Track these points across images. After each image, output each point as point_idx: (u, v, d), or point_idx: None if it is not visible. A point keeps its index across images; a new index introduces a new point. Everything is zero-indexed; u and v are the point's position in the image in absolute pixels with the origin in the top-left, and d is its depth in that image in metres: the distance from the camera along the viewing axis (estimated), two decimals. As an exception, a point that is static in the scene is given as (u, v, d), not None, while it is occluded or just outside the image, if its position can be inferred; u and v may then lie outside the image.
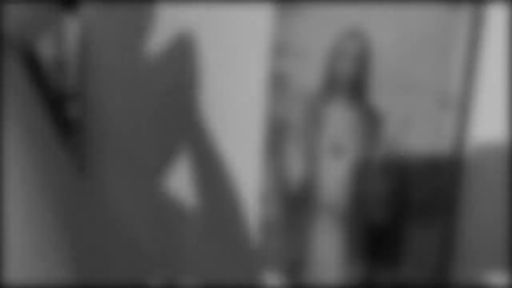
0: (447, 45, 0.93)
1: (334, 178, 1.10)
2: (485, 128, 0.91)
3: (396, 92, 1.00)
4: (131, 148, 1.63)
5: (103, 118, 1.73)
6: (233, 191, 1.35)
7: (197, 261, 1.46)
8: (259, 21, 1.23)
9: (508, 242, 0.89)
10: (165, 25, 1.47)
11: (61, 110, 1.78)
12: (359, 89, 1.05)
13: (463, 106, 0.92)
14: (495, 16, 0.89)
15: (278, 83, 1.18)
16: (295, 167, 1.17)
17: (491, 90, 0.90)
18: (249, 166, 1.30)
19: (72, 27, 1.73)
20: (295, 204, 1.18)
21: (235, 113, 1.32)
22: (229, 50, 1.32)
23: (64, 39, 1.73)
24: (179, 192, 1.48)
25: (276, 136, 1.20)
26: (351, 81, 1.06)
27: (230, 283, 1.37)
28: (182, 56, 1.44)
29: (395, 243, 1.02)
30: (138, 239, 1.65)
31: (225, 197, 1.37)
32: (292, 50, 1.15)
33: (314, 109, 1.13)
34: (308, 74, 1.13)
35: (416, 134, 0.97)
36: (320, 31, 1.10)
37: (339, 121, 1.09)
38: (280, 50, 1.17)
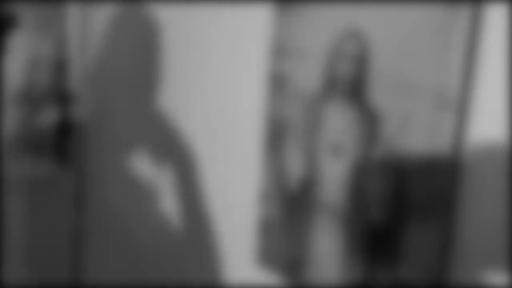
0: (446, 46, 0.93)
1: (333, 177, 1.10)
2: (484, 128, 0.91)
3: (395, 92, 1.00)
4: (129, 147, 1.63)
5: (102, 118, 1.73)
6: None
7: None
8: (259, 22, 1.23)
9: (507, 242, 0.90)
10: (166, 26, 1.48)
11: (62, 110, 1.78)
12: (358, 89, 1.05)
13: (462, 106, 0.93)
14: (494, 16, 0.89)
15: (278, 83, 1.19)
16: (295, 167, 1.17)
17: (490, 90, 0.90)
18: (249, 166, 1.30)
19: (72, 27, 1.74)
20: (295, 204, 1.18)
21: (235, 113, 1.32)
22: (229, 50, 1.32)
23: (64, 39, 1.73)
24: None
25: (276, 136, 1.20)
26: (350, 81, 1.06)
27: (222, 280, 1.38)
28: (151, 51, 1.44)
29: (394, 242, 1.02)
30: (135, 234, 1.65)
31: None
32: (291, 51, 1.15)
33: (314, 109, 1.13)
34: (308, 74, 1.13)
35: (415, 134, 0.97)
36: (319, 31, 1.10)
37: (339, 121, 1.09)
38: (280, 50, 1.18)
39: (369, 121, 1.04)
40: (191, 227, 1.47)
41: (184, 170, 1.46)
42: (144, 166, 1.58)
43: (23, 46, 1.69)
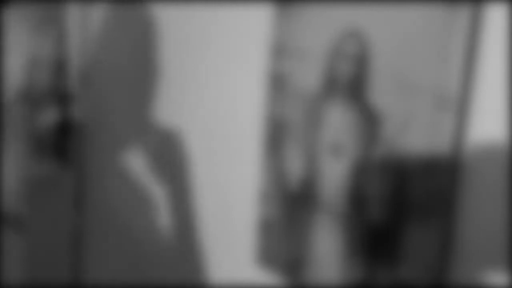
0: (446, 46, 0.93)
1: (333, 177, 1.10)
2: (484, 128, 0.91)
3: (395, 92, 1.00)
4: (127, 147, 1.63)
5: (102, 118, 1.73)
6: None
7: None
8: (259, 22, 1.23)
9: (507, 242, 0.90)
10: (166, 26, 1.48)
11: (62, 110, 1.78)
12: (358, 89, 1.05)
13: (462, 106, 0.93)
14: (494, 16, 0.89)
15: (278, 83, 1.19)
16: (295, 167, 1.17)
17: (490, 90, 0.90)
18: (249, 166, 1.30)
19: (72, 27, 1.74)
20: (295, 204, 1.18)
21: (235, 113, 1.32)
22: (229, 50, 1.32)
23: (64, 39, 1.73)
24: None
25: (276, 136, 1.20)
26: (350, 81, 1.06)
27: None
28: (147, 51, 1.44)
29: (394, 242, 1.02)
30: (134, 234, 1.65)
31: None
32: (291, 51, 1.15)
33: (314, 109, 1.13)
34: (308, 74, 1.13)
35: (415, 134, 0.97)
36: (319, 31, 1.10)
37: (339, 121, 1.09)
38: (280, 50, 1.17)
39: (369, 121, 1.04)
40: (190, 227, 1.47)
41: (180, 171, 1.46)
42: (144, 166, 1.58)
43: (23, 46, 1.69)
